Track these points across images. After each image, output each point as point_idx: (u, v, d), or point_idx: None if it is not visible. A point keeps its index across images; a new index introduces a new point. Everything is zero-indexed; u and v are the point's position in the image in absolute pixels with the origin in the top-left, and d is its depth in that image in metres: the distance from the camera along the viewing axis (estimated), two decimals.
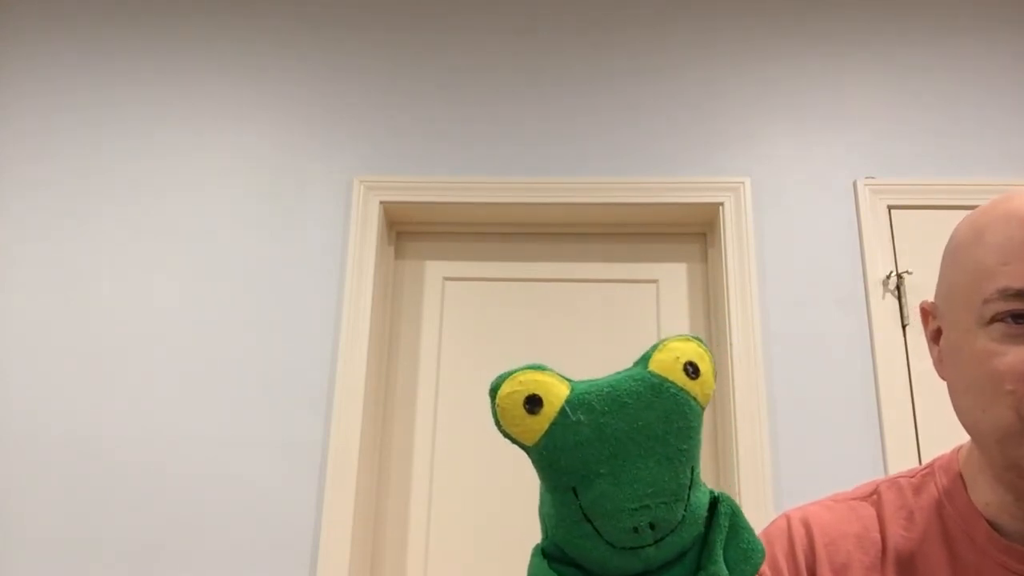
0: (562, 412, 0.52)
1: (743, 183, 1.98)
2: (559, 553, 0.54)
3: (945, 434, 1.81)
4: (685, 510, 0.52)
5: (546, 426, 0.52)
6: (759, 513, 1.70)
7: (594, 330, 2.01)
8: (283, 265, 1.97)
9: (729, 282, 1.89)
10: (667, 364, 0.54)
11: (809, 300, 1.89)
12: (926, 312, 0.71)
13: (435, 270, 2.10)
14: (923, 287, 1.86)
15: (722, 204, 1.96)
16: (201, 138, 2.10)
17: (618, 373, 0.55)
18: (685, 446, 0.53)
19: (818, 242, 1.93)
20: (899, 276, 1.87)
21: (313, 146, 2.08)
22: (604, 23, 2.16)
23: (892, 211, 1.94)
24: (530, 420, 0.52)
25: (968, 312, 0.64)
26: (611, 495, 0.50)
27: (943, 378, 0.68)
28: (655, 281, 2.05)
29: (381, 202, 2.01)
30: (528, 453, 0.54)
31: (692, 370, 0.54)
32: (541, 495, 0.56)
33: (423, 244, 2.12)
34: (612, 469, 0.51)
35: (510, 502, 1.88)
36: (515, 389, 0.53)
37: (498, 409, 0.54)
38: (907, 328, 1.84)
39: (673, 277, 2.05)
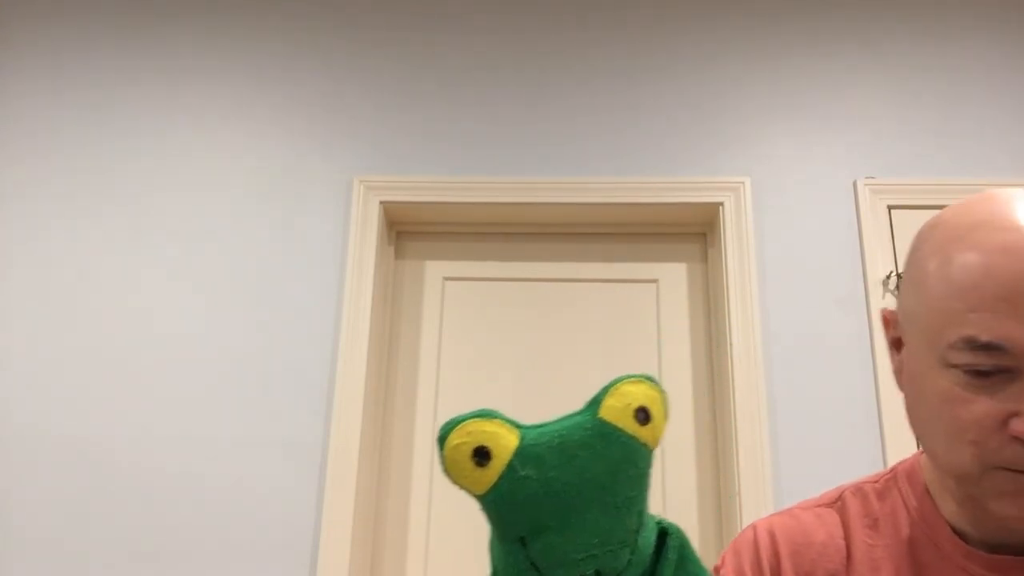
0: (510, 466, 0.51)
1: (743, 183, 1.98)
2: None
3: None
4: (632, 554, 0.52)
5: (494, 479, 0.52)
6: (759, 513, 1.70)
7: (594, 330, 2.01)
8: (283, 265, 1.97)
9: (729, 282, 1.89)
10: (618, 411, 0.53)
11: (809, 300, 1.89)
12: (887, 320, 0.70)
13: (435, 270, 2.10)
14: None
15: (722, 204, 1.96)
16: (201, 138, 2.10)
17: (569, 417, 0.55)
18: (633, 493, 0.53)
19: (818, 242, 1.93)
20: (899, 276, 1.87)
21: (313, 146, 2.08)
22: (604, 23, 2.16)
23: (892, 211, 1.94)
24: (478, 472, 0.52)
25: (930, 349, 0.61)
26: (558, 547, 0.51)
27: (901, 389, 0.67)
28: (655, 281, 2.05)
29: (381, 202, 2.01)
30: (477, 500, 0.54)
31: (643, 416, 0.54)
32: (490, 535, 0.56)
33: (423, 244, 2.12)
34: (560, 522, 0.51)
35: None
36: (463, 440, 0.52)
37: (446, 460, 0.53)
38: None
39: (673, 277, 2.05)
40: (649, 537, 0.54)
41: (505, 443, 0.52)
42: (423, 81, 2.13)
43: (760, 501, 1.72)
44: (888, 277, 1.88)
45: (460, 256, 2.10)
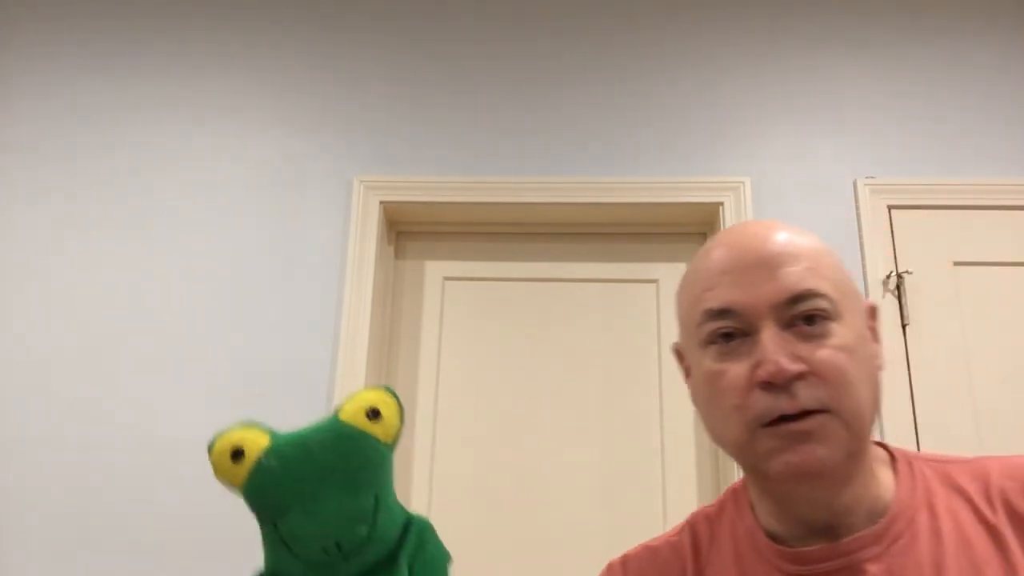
0: (259, 460, 0.63)
1: (743, 183, 1.98)
2: None
3: (944, 434, 1.79)
4: (370, 529, 0.63)
5: (246, 472, 0.64)
6: None
7: (594, 330, 2.01)
8: (283, 265, 1.97)
9: None
10: (351, 412, 0.65)
11: None
12: (678, 353, 0.78)
13: (435, 270, 2.10)
14: (923, 287, 1.86)
15: (722, 204, 1.96)
16: (201, 138, 2.10)
17: (316, 422, 0.66)
18: (366, 477, 0.64)
19: None
20: (899, 276, 1.87)
21: (313, 146, 2.08)
22: (604, 23, 2.16)
23: (892, 211, 1.94)
24: (234, 468, 0.64)
25: (693, 340, 0.72)
26: (301, 524, 0.62)
27: (696, 406, 0.75)
28: (655, 281, 2.05)
29: (381, 202, 2.01)
30: (240, 495, 0.66)
31: (373, 414, 0.65)
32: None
33: (423, 244, 2.12)
34: (301, 504, 0.62)
35: (509, 502, 1.88)
36: (224, 444, 0.65)
37: (212, 461, 0.65)
38: (907, 328, 1.84)
39: (673, 277, 2.05)
40: (394, 522, 0.65)
41: (256, 443, 0.64)
42: (423, 81, 2.13)
43: None
44: (888, 277, 1.87)
45: (460, 256, 2.10)
